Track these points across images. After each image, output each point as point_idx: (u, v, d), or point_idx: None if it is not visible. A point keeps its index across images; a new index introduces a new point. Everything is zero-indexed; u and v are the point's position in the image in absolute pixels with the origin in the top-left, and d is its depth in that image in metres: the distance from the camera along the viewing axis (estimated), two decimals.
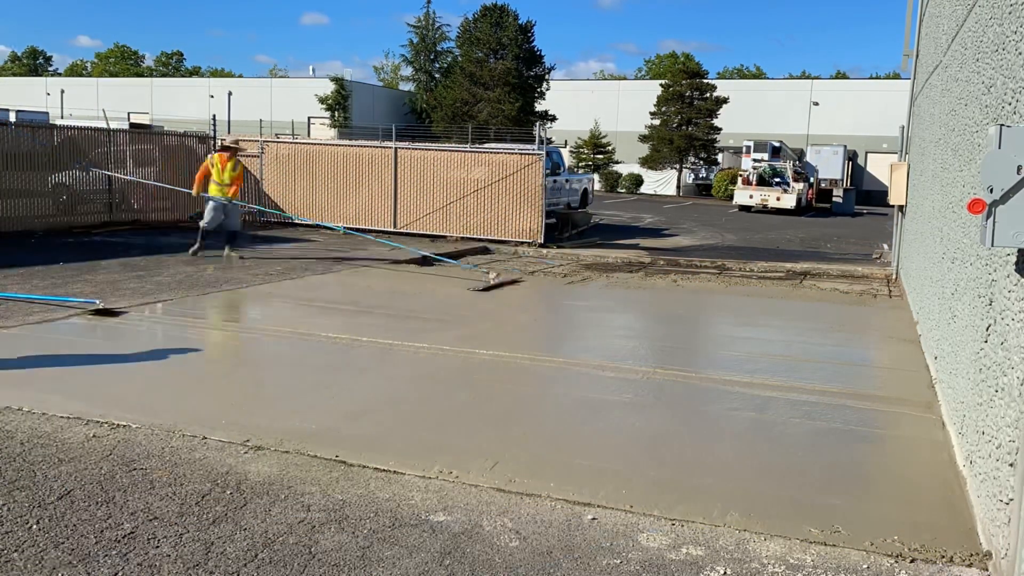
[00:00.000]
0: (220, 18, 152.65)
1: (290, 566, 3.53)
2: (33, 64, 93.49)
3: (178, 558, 3.56)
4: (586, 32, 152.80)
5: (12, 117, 25.03)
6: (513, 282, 12.13)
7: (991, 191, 3.40)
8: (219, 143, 15.43)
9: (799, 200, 32.46)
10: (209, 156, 13.56)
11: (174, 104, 52.87)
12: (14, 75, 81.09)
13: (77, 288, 9.86)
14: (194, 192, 13.23)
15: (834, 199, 36.49)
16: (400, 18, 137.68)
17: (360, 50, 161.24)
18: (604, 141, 48.16)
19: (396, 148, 17.75)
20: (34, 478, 4.37)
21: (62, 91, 57.73)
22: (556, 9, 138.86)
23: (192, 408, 5.61)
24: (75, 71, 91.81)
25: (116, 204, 17.32)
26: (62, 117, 41.88)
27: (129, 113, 46.65)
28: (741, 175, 35.63)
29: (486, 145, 21.41)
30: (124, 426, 5.18)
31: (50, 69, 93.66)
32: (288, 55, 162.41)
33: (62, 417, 5.31)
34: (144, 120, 40.16)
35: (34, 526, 3.83)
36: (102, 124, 18.02)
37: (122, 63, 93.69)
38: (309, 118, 50.89)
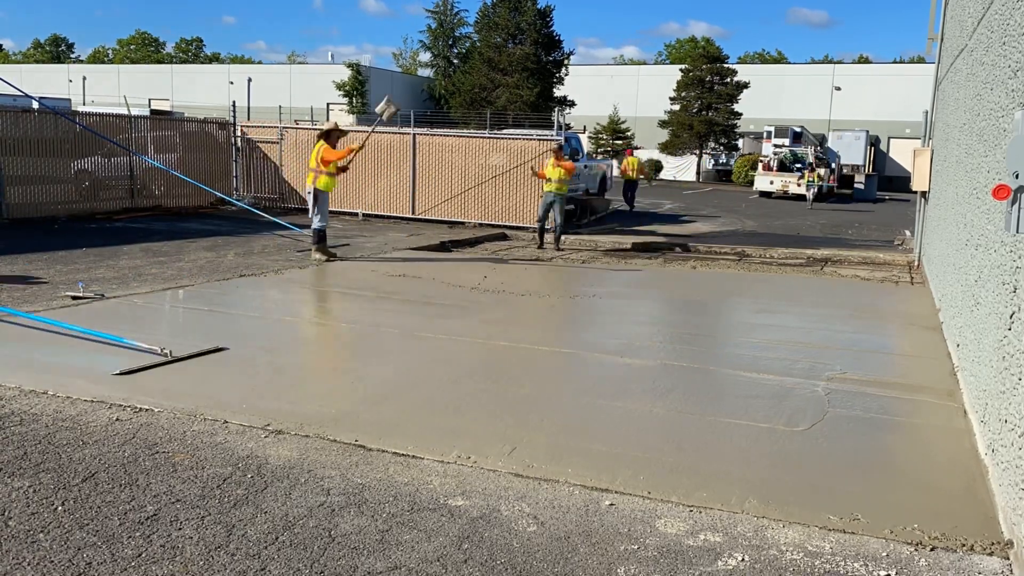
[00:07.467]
0: (232, 5, 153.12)
1: (310, 548, 3.57)
2: (56, 51, 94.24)
3: (200, 540, 3.61)
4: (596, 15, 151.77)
5: (35, 104, 25.23)
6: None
7: (1016, 176, 3.36)
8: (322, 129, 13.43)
9: (820, 186, 32.16)
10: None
11: (194, 90, 53.16)
12: (37, 62, 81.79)
13: (100, 273, 9.97)
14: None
15: (856, 185, 36.14)
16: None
17: (375, 37, 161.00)
18: (623, 127, 47.92)
19: (415, 134, 17.74)
20: (59, 460, 4.43)
21: (84, 78, 58.22)
22: None
23: (213, 392, 5.66)
24: (97, 58, 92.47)
25: (138, 190, 17.46)
26: (84, 104, 42.22)
27: (150, 100, 46.97)
28: (762, 161, 35.36)
29: (504, 131, 21.34)
30: (146, 410, 5.24)
31: (72, 56, 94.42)
32: (303, 42, 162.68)
33: (86, 400, 5.38)
34: (165, 107, 40.41)
35: (59, 507, 3.89)
36: (123, 110, 18.15)
37: (143, 50, 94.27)
38: (328, 104, 50.96)
